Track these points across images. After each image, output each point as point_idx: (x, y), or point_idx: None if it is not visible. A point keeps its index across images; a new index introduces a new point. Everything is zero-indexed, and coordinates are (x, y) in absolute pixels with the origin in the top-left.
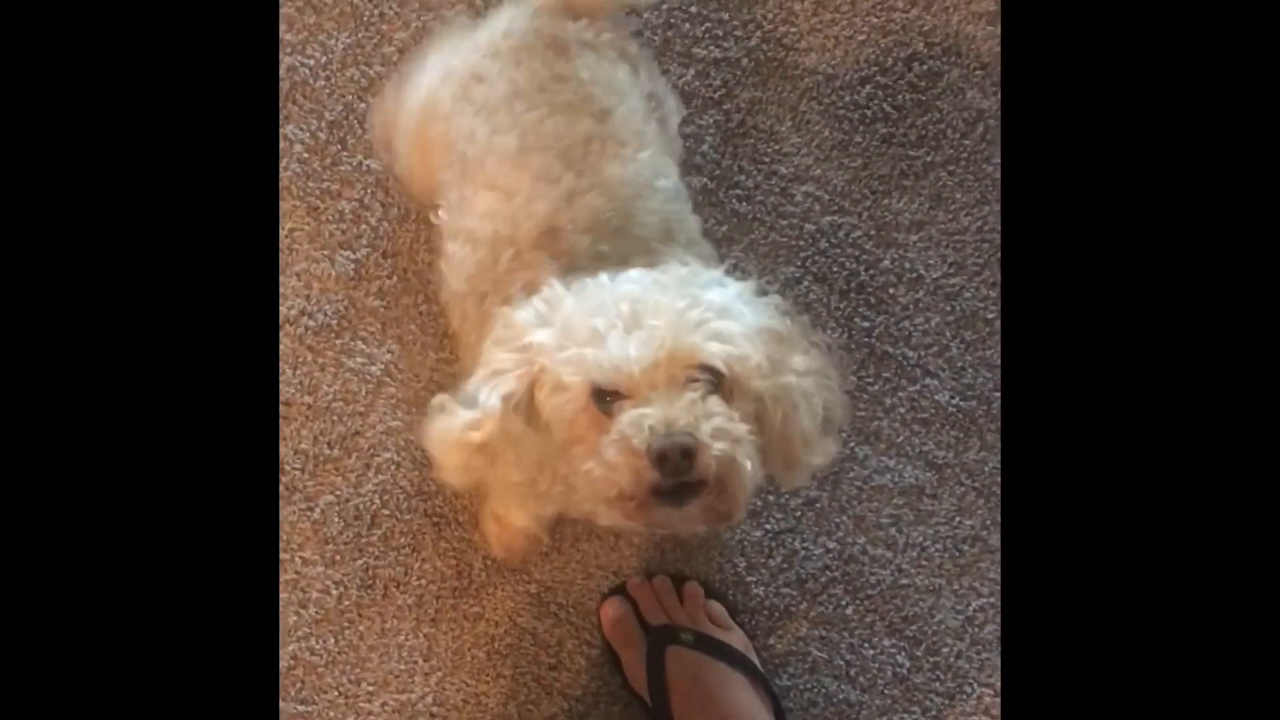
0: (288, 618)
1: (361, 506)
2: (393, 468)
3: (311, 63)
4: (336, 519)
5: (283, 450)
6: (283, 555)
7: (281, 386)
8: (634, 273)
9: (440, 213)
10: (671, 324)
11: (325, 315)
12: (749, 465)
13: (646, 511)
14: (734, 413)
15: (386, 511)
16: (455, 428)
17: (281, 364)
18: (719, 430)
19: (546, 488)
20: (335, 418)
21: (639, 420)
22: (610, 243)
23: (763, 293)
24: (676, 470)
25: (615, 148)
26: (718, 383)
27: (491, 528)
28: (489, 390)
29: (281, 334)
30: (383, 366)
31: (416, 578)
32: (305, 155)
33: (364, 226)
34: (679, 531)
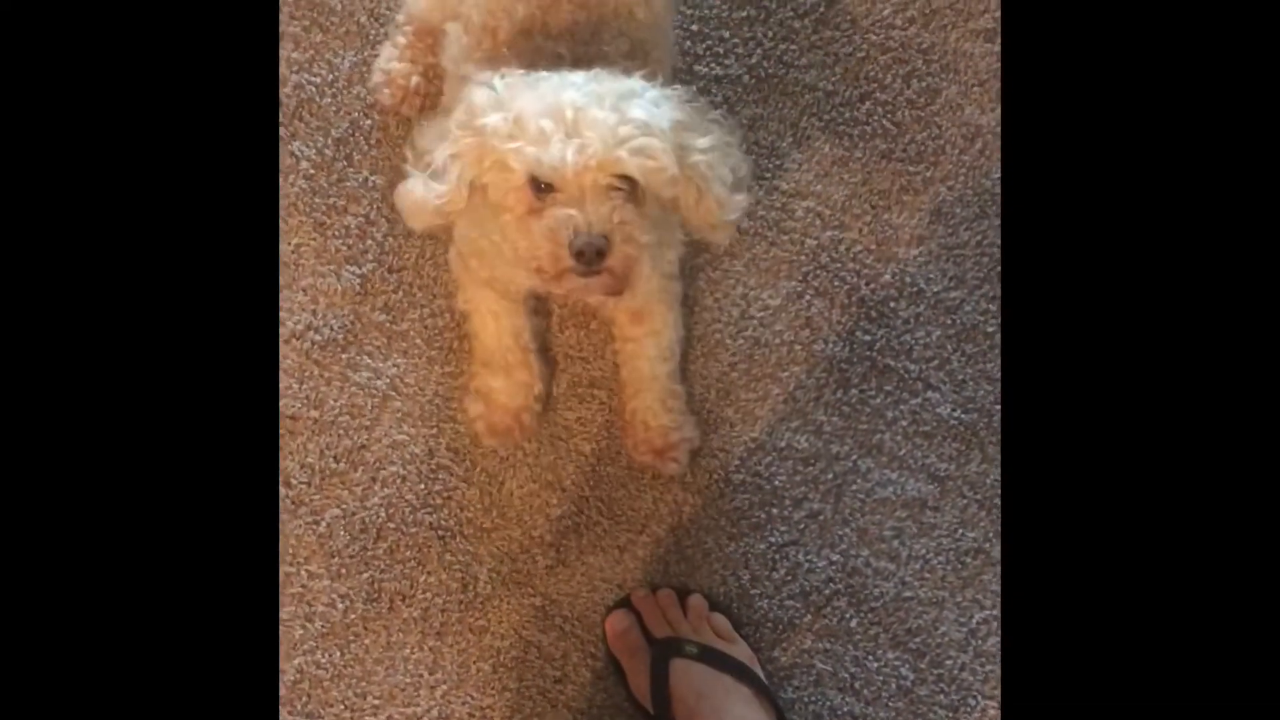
0: (293, 631)
1: (367, 520)
2: (398, 481)
3: (318, 80)
4: (342, 532)
5: (289, 464)
6: (288, 569)
7: (287, 400)
8: (578, 77)
9: None
10: (604, 137)
11: (331, 330)
12: (646, 261)
13: (558, 282)
14: (643, 218)
15: (392, 525)
16: (427, 197)
17: (287, 378)
18: (628, 236)
19: (490, 246)
20: (341, 431)
21: (567, 219)
22: (576, 50)
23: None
24: (589, 262)
25: None
26: (633, 188)
27: (477, 408)
28: (454, 171)
29: (288, 348)
30: (388, 380)
31: (422, 591)
32: (311, 172)
33: (369, 242)
34: (580, 297)
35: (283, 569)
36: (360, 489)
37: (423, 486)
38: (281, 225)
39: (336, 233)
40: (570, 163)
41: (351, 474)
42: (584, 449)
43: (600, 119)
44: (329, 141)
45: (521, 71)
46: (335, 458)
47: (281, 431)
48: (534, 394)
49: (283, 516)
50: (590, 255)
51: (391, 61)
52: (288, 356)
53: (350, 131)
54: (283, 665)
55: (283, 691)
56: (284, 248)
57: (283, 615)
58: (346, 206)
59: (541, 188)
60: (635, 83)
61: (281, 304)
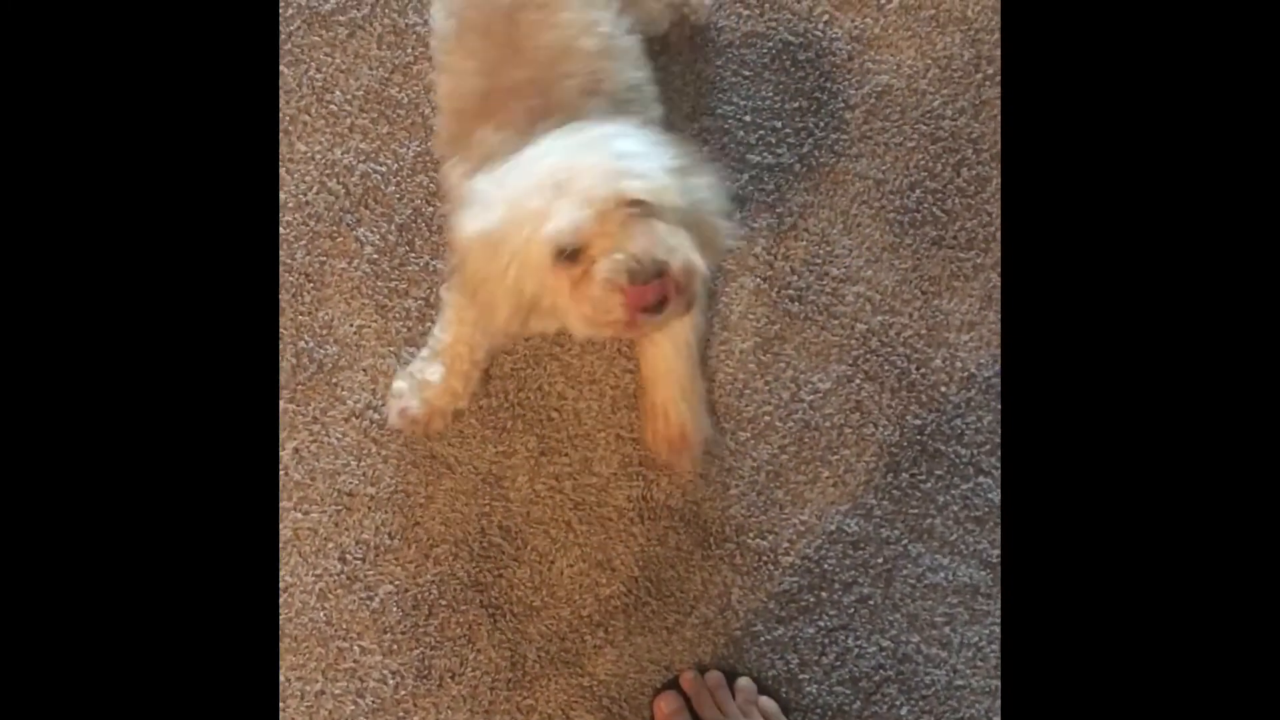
0: (345, 707)
1: (419, 596)
2: (450, 559)
3: (383, 169)
4: (395, 608)
5: (345, 539)
6: (342, 644)
7: (345, 478)
8: (555, 141)
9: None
10: (600, 178)
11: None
12: (700, 260)
13: (634, 326)
14: (669, 224)
15: (444, 602)
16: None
17: (346, 455)
18: (671, 246)
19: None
20: (396, 509)
21: (616, 265)
22: (538, 100)
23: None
24: (656, 290)
25: (537, 14)
26: (648, 210)
27: (401, 386)
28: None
29: (347, 426)
30: (443, 459)
31: (471, 669)
32: (375, 256)
33: (429, 324)
34: (657, 328)
35: (336, 644)
36: (414, 566)
37: (474, 565)
38: (344, 307)
39: (397, 315)
40: (581, 218)
41: (405, 551)
42: (634, 530)
43: (590, 165)
44: (392, 227)
45: (486, 171)
46: (390, 535)
47: (338, 507)
48: (457, 404)
49: (338, 591)
50: (654, 280)
51: None
52: (347, 434)
53: (413, 218)
54: None
55: None
56: (347, 329)
57: (335, 690)
58: (408, 290)
59: (568, 255)
60: (614, 126)
61: (342, 383)
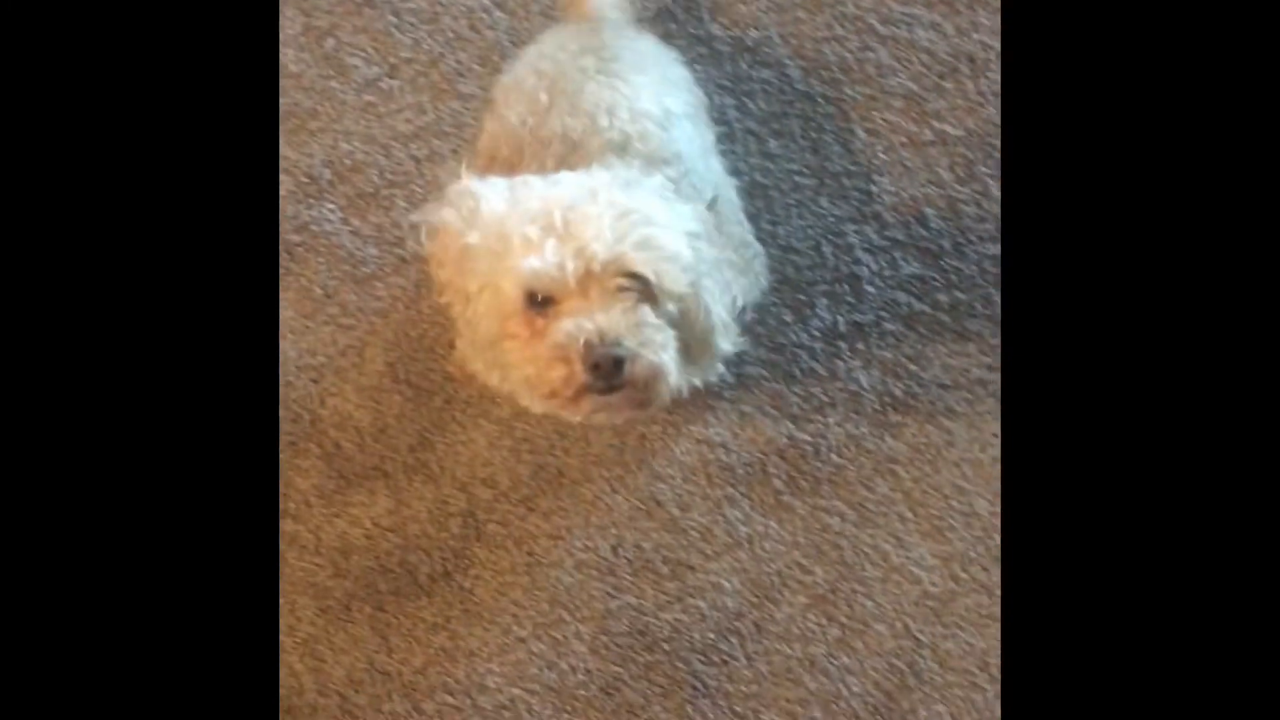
0: (529, 668)
1: (654, 629)
2: (699, 623)
3: None
4: (627, 623)
5: (627, 535)
6: (565, 614)
7: (663, 487)
8: (565, 175)
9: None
10: (602, 234)
11: None
12: (672, 367)
13: (576, 405)
14: (660, 320)
15: (667, 648)
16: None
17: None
18: (647, 340)
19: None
20: (700, 555)
21: (575, 331)
22: (570, 157)
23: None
24: (608, 376)
25: (608, 77)
26: (645, 288)
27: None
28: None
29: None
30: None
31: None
32: None
33: None
34: (603, 420)
35: (560, 611)
36: (665, 600)
37: (710, 636)
38: None
39: None
40: (570, 269)
41: (668, 584)
42: None
43: (595, 213)
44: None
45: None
46: (664, 561)
47: (645, 509)
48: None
49: (593, 570)
50: (608, 366)
51: None
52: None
53: None
54: None
55: None
56: None
57: (533, 648)
58: None
59: (539, 302)
60: (633, 172)
61: None
